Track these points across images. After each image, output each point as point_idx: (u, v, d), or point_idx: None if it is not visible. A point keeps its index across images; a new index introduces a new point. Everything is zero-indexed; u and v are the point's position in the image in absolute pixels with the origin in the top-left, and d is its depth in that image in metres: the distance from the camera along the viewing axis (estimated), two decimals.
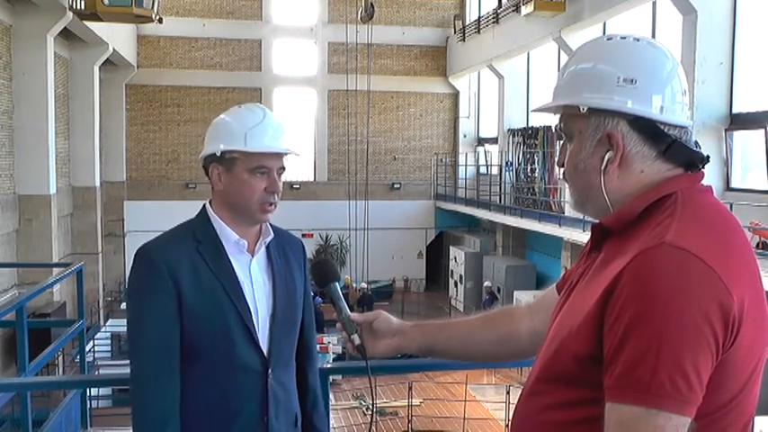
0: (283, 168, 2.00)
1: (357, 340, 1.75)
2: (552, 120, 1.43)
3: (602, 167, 1.30)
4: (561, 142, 1.42)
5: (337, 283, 1.83)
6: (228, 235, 1.99)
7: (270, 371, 1.97)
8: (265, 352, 1.97)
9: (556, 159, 1.43)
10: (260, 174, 1.95)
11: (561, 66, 1.42)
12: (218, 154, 1.95)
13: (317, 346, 2.51)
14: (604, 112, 1.29)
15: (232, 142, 1.94)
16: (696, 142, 1.33)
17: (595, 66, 1.32)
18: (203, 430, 1.95)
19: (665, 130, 1.28)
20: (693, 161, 1.31)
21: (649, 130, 1.28)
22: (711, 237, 1.20)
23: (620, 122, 1.28)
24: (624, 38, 1.34)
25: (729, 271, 1.15)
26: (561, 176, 1.40)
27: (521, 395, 1.41)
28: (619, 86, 1.28)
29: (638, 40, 1.33)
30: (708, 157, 1.32)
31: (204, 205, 2.05)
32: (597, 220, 1.36)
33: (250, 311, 1.96)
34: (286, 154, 1.99)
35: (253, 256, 2.02)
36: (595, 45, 1.38)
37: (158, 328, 1.88)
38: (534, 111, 1.48)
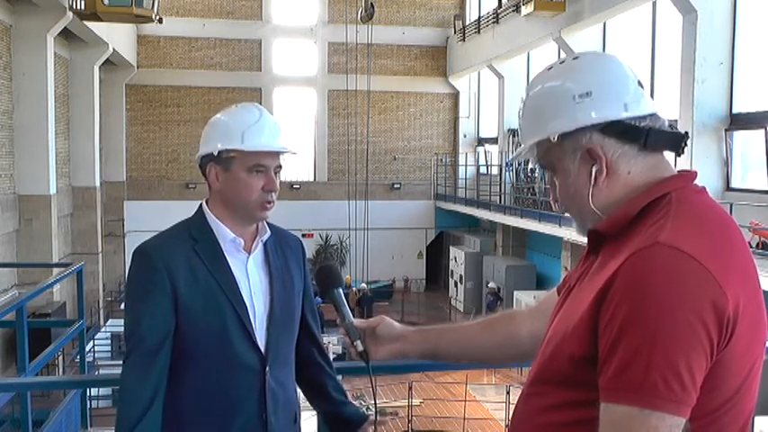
0: (280, 167, 2.01)
1: (360, 346, 1.76)
2: None
3: (592, 182, 1.31)
4: (548, 175, 1.43)
5: (341, 289, 1.84)
6: (225, 233, 2.00)
7: (268, 369, 1.98)
8: (263, 350, 1.98)
9: (550, 198, 1.44)
10: (257, 172, 1.96)
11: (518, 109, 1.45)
12: (216, 153, 1.96)
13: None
14: (574, 133, 1.30)
15: (229, 141, 1.95)
16: (670, 125, 1.33)
17: (548, 94, 1.35)
18: (203, 429, 1.95)
19: (637, 124, 1.29)
20: (675, 141, 1.31)
21: (622, 129, 1.29)
22: (706, 236, 1.20)
23: (593, 134, 1.29)
24: (563, 61, 1.38)
25: (724, 271, 1.15)
26: (561, 210, 1.42)
27: (519, 396, 1.41)
28: (577, 103, 1.30)
29: (576, 58, 1.37)
30: (686, 133, 1.32)
31: (201, 204, 2.06)
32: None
33: (247, 309, 1.96)
34: (283, 152, 2.00)
35: (249, 254, 2.03)
36: (541, 77, 1.40)
37: (152, 326, 1.89)
38: (511, 161, 1.49)
